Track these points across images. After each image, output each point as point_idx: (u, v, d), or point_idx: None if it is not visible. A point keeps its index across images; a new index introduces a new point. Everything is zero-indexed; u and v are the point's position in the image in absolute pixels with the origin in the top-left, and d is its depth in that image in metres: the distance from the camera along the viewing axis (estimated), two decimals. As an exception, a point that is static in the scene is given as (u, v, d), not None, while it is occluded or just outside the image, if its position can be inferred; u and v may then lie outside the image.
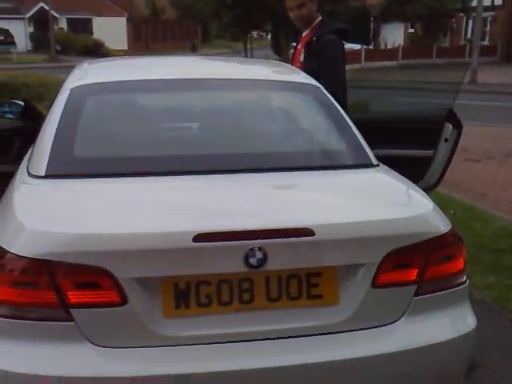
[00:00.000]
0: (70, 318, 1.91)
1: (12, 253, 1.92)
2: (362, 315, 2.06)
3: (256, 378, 1.98)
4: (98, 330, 1.93)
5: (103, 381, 1.90)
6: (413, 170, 2.78)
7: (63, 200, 2.20)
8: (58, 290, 1.90)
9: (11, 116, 3.73)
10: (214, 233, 1.94)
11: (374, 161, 2.58)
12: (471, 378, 2.62)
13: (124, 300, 1.91)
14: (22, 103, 3.76)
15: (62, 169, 2.34)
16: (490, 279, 4.06)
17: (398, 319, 2.12)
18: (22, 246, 1.92)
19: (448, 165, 3.49)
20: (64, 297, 1.90)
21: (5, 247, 1.95)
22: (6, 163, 3.13)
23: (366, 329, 2.08)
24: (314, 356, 2.02)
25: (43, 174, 2.29)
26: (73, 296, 1.91)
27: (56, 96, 2.74)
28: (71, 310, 1.91)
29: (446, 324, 2.20)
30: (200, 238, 1.91)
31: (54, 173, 2.29)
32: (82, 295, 1.92)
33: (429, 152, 3.41)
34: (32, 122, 3.39)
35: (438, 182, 3.52)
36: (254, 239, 1.94)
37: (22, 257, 1.90)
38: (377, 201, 2.33)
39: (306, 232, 1.98)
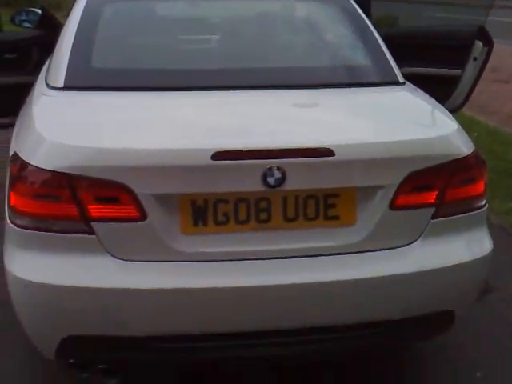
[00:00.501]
0: (91, 231, 1.94)
1: (32, 165, 1.93)
2: (378, 236, 2.07)
3: (271, 295, 2.01)
4: (118, 244, 1.97)
5: (122, 292, 1.95)
6: (439, 90, 2.70)
7: (83, 113, 2.19)
8: (79, 203, 1.92)
9: (28, 25, 3.66)
10: (232, 151, 1.92)
11: (401, 78, 2.51)
12: (484, 300, 2.66)
13: (143, 215, 1.93)
14: (39, 11, 3.68)
15: (81, 80, 2.32)
16: (510, 204, 4.03)
17: (415, 241, 2.12)
18: (42, 159, 1.94)
19: (475, 85, 3.38)
20: (85, 210, 1.92)
21: (25, 159, 1.97)
22: (24, 74, 3.10)
23: (382, 250, 2.09)
24: (328, 275, 2.04)
25: (62, 86, 2.27)
26: (93, 210, 1.93)
27: (73, 4, 2.66)
28: (92, 224, 1.93)
29: (462, 247, 2.20)
30: (218, 155, 1.90)
31: (73, 84, 2.27)
32: (102, 209, 1.94)
33: (456, 71, 3.30)
34: (50, 31, 3.32)
35: (463, 103, 3.42)
36: (272, 158, 1.92)
37: (42, 169, 1.91)
38: (400, 121, 2.28)
39: (326, 152, 1.95)
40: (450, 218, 2.15)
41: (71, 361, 2.12)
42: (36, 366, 2.52)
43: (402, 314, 2.10)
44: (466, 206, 2.19)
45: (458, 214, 2.17)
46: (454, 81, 3.31)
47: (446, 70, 3.28)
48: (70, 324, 2.00)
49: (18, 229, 1.97)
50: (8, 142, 2.26)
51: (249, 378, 2.50)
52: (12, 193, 2.00)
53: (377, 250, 2.08)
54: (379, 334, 2.11)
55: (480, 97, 5.72)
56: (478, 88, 3.43)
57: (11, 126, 2.47)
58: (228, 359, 2.15)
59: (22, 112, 2.40)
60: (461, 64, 3.29)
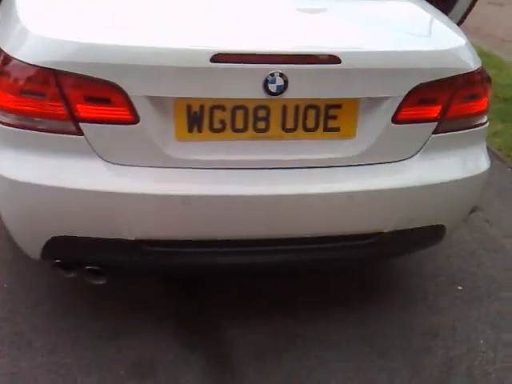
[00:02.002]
0: (80, 132, 1.84)
1: (16, 59, 1.80)
2: (378, 150, 2.02)
3: (266, 204, 1.98)
4: (109, 147, 1.88)
5: (111, 195, 1.89)
6: (437, 6, 2.56)
7: (72, 6, 2.02)
8: (67, 101, 1.81)
9: None
10: (233, 53, 1.81)
11: None
12: (468, 219, 2.70)
13: (135, 118, 1.83)
14: None
15: None
16: (499, 127, 4.01)
17: (413, 155, 2.08)
18: (26, 53, 1.81)
19: (473, 6, 3.23)
20: (73, 109, 1.82)
21: (8, 53, 1.83)
22: None
23: (381, 163, 2.05)
24: (324, 186, 2.01)
25: None
26: (82, 109, 1.82)
27: None
28: (81, 124, 1.83)
29: (460, 163, 2.18)
30: (218, 58, 1.79)
31: None
32: (91, 109, 1.83)
33: None
34: None
35: (459, 23, 3.28)
36: (276, 63, 1.82)
37: (27, 64, 1.79)
38: (408, 32, 2.19)
39: (332, 59, 1.86)
40: (450, 133, 2.10)
41: (57, 261, 2.08)
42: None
43: (396, 227, 2.10)
44: (467, 122, 2.14)
45: (460, 130, 2.13)
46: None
47: None
48: (56, 225, 1.94)
49: (3, 126, 1.86)
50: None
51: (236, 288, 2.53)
52: None
53: (375, 164, 2.05)
54: (373, 245, 2.11)
55: (474, 19, 5.56)
56: (472, 10, 3.29)
57: None
58: (217, 266, 2.14)
59: (3, 3, 2.21)
60: None
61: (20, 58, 1.80)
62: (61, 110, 1.82)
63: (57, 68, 1.77)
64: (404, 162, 2.07)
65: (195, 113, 1.88)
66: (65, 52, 1.79)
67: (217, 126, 1.91)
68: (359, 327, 2.40)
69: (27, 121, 1.84)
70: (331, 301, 2.53)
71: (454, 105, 2.05)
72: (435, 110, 2.04)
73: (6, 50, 1.85)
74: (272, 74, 1.82)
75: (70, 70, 1.78)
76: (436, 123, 2.06)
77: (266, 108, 1.91)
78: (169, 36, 1.88)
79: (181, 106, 1.87)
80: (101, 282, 2.13)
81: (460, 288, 2.68)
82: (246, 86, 1.85)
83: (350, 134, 2.00)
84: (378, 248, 2.16)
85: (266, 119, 1.92)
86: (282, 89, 1.84)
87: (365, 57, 1.94)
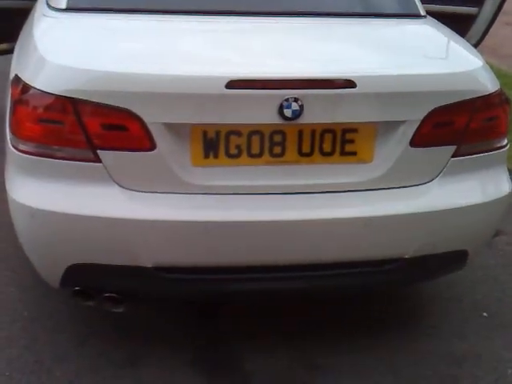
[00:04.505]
0: (98, 159, 1.86)
1: (35, 88, 1.84)
2: (396, 174, 2.00)
3: (282, 230, 1.96)
4: (126, 174, 1.89)
5: (129, 222, 1.89)
6: (454, 28, 2.56)
7: (88, 35, 2.06)
8: (85, 130, 1.83)
9: None
10: (248, 79, 1.82)
11: (422, 11, 2.39)
12: (491, 242, 2.64)
13: (152, 145, 1.85)
14: None
15: (85, 1, 2.17)
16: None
17: (433, 179, 2.05)
18: (45, 82, 1.84)
19: (491, 25, 3.23)
20: (91, 137, 1.84)
21: (27, 82, 1.87)
22: None
23: (399, 188, 2.03)
24: (342, 212, 1.99)
25: (64, 7, 2.13)
26: (100, 137, 1.84)
27: None
28: (98, 152, 1.85)
29: (481, 187, 2.15)
30: (233, 84, 1.80)
31: (77, 5, 2.14)
32: (109, 137, 1.85)
33: (473, 9, 3.14)
34: None
35: (478, 43, 3.27)
36: (290, 89, 1.83)
37: (46, 92, 1.82)
38: (424, 54, 2.17)
39: (348, 83, 1.86)
40: (470, 156, 2.08)
41: (76, 289, 2.08)
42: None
43: (417, 252, 2.06)
44: (487, 145, 2.12)
45: (479, 153, 2.10)
46: (469, 19, 3.16)
47: (463, 7, 3.12)
48: (74, 252, 1.95)
49: (22, 154, 1.89)
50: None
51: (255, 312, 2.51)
52: (14, 117, 1.92)
53: (394, 188, 2.02)
54: (393, 270, 2.08)
55: (492, 40, 5.54)
56: (490, 30, 3.27)
57: (7, 52, 2.34)
58: (236, 293, 2.12)
59: (21, 35, 2.27)
60: (478, 2, 3.13)
61: (38, 87, 1.83)
62: (79, 137, 1.84)
63: (74, 96, 1.80)
64: (423, 186, 2.04)
65: (211, 139, 1.88)
66: (82, 80, 1.82)
67: (233, 151, 1.91)
68: (382, 355, 2.34)
69: (45, 149, 1.87)
70: (354, 328, 2.49)
71: (472, 127, 2.03)
72: (454, 133, 2.03)
73: (24, 79, 1.89)
74: (287, 100, 1.82)
75: (87, 98, 1.80)
76: (455, 146, 2.03)
77: (282, 133, 1.90)
78: (184, 63, 1.91)
79: (197, 132, 1.88)
80: (119, 309, 2.12)
81: (485, 314, 2.61)
82: (261, 112, 1.85)
83: (368, 158, 1.98)
84: (399, 274, 2.12)
85: (282, 144, 1.92)
86: (298, 114, 1.84)
87: (381, 81, 1.94)
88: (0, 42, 3.05)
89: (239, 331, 2.44)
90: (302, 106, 1.83)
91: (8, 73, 2.15)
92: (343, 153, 1.96)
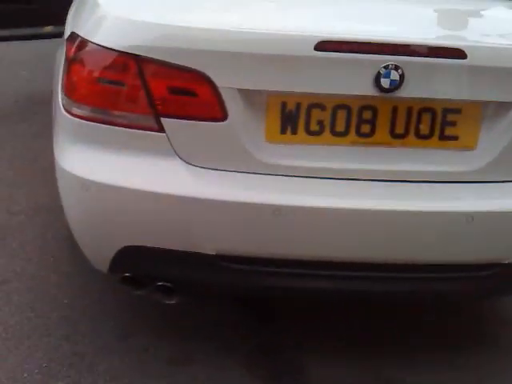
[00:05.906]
0: (161, 129, 1.63)
1: (94, 43, 1.62)
2: (503, 165, 1.72)
3: (365, 221, 1.69)
4: (191, 147, 1.66)
5: (191, 202, 1.65)
6: None
7: None
8: (148, 92, 1.60)
9: None
10: (342, 41, 1.56)
11: None
12: None
13: (223, 115, 1.61)
14: None
15: None
16: None
17: None
18: (105, 36, 1.62)
19: None
20: (155, 102, 1.60)
21: (85, 37, 1.65)
22: None
23: (505, 182, 1.75)
24: (437, 205, 1.71)
25: None
26: (165, 102, 1.61)
27: None
28: (162, 120, 1.62)
29: None
30: (324, 46, 1.54)
31: None
32: (175, 102, 1.62)
33: None
34: None
35: None
36: (391, 54, 1.56)
37: (106, 48, 1.59)
38: None
39: (457, 53, 1.58)
40: None
41: (126, 275, 1.85)
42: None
43: None
44: None
45: None
46: None
47: None
48: (128, 232, 1.72)
49: (75, 119, 1.67)
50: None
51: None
52: (68, 77, 1.70)
53: (499, 182, 1.74)
54: (490, 277, 1.79)
55: None
56: None
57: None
58: (303, 290, 1.86)
59: None
60: None
61: (98, 42, 1.61)
62: (141, 102, 1.61)
63: (139, 53, 1.57)
64: None
65: (290, 111, 1.64)
66: (148, 35, 1.59)
67: (314, 127, 1.65)
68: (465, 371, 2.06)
69: (102, 113, 1.65)
70: (430, 340, 2.23)
71: None
72: None
73: (82, 34, 1.68)
74: (386, 67, 1.55)
75: (153, 56, 1.57)
76: None
77: (373, 108, 1.64)
78: (266, 20, 1.66)
79: (275, 102, 1.63)
80: (172, 301, 1.89)
81: None
82: (353, 80, 1.59)
83: (471, 145, 1.71)
84: (496, 281, 1.84)
85: (372, 122, 1.66)
86: (397, 85, 1.57)
87: (495, 54, 1.65)
88: (45, 25, 2.89)
89: (297, 334, 2.20)
90: (402, 76, 1.57)
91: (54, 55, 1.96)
92: (442, 137, 1.69)
